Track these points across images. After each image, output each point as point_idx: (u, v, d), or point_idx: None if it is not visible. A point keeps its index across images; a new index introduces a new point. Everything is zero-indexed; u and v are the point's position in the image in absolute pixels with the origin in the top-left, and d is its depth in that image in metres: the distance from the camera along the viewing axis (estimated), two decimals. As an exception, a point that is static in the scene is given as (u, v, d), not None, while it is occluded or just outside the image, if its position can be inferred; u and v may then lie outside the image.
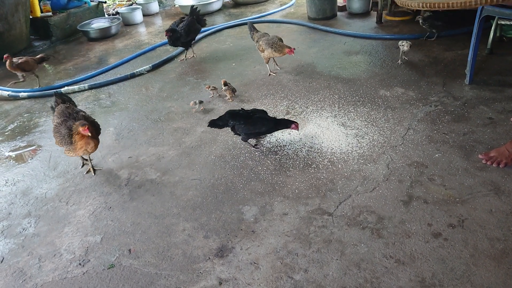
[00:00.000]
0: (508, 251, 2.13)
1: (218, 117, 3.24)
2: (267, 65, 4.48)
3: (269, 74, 4.46)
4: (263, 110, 3.28)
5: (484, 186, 2.56)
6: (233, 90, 4.06)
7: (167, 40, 4.99)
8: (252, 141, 3.34)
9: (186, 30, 4.93)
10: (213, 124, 3.22)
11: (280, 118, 3.25)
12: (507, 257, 2.10)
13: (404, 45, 4.21)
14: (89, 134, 2.81)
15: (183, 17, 5.18)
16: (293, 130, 3.18)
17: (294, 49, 4.11)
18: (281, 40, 4.25)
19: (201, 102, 3.94)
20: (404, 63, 4.33)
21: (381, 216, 2.45)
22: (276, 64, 4.63)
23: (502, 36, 4.46)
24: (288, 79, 4.34)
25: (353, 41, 5.18)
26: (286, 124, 3.15)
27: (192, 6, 5.34)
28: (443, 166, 2.78)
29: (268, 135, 3.39)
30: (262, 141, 3.34)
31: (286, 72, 4.50)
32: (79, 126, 2.80)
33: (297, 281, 2.13)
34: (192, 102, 3.93)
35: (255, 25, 4.91)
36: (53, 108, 3.20)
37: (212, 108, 3.95)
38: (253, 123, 3.11)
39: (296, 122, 3.13)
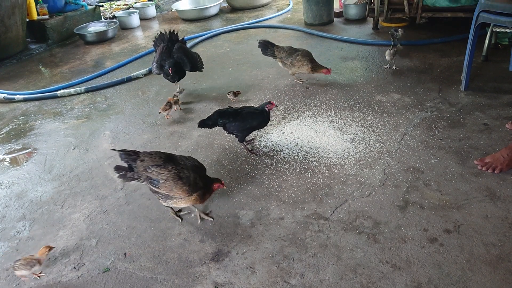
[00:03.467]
0: (504, 257, 2.13)
1: (207, 117, 3.24)
2: (294, 76, 4.38)
3: (297, 81, 4.37)
4: (251, 107, 3.30)
5: (480, 192, 2.57)
6: (235, 94, 4.08)
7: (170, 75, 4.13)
8: (249, 146, 3.34)
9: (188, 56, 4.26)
10: (203, 124, 3.20)
11: (261, 108, 3.24)
12: (502, 262, 2.10)
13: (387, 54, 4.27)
14: (225, 187, 2.60)
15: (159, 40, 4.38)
16: (271, 107, 3.21)
17: (331, 69, 4.08)
18: (311, 55, 4.16)
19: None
20: (400, 68, 4.35)
21: (377, 221, 2.45)
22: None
23: (497, 43, 4.50)
24: (284, 84, 4.35)
25: (350, 47, 5.20)
26: (266, 110, 3.19)
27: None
28: (439, 171, 2.79)
29: (264, 138, 3.40)
30: (258, 146, 3.34)
31: (283, 77, 4.51)
32: (213, 184, 2.52)
33: (293, 286, 2.12)
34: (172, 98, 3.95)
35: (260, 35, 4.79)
36: (130, 168, 2.52)
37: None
38: (243, 119, 3.12)
39: (269, 102, 3.20)
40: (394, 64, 4.35)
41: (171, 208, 2.65)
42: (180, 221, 2.62)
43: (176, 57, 4.17)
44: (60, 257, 2.48)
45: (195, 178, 2.42)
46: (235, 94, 4.05)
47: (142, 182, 2.50)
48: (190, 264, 2.33)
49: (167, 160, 2.47)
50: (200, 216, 2.62)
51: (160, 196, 2.50)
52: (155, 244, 2.50)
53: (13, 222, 2.82)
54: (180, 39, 4.41)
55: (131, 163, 2.51)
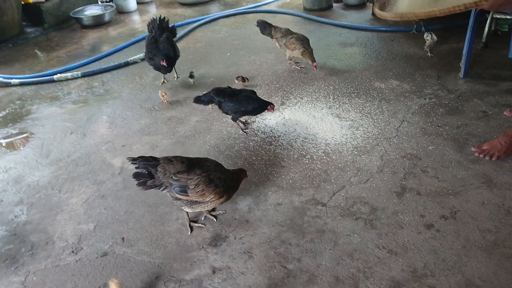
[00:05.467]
0: (499, 243, 2.15)
1: (203, 93, 3.29)
2: (290, 62, 4.35)
3: (295, 67, 4.34)
4: (252, 91, 3.29)
5: (477, 179, 2.58)
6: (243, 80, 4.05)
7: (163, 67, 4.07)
8: (241, 125, 3.36)
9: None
10: (198, 100, 3.27)
11: (262, 99, 3.26)
12: (498, 248, 2.12)
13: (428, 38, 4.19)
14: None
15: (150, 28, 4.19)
16: (271, 110, 3.22)
17: (316, 63, 4.04)
18: (308, 41, 4.11)
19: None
20: (399, 55, 4.34)
21: (374, 207, 2.46)
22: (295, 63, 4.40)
23: (497, 30, 4.47)
24: (283, 70, 4.33)
25: (349, 32, 5.16)
26: (265, 105, 3.19)
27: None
28: (437, 158, 2.80)
29: (262, 124, 3.39)
30: (251, 126, 3.35)
31: (281, 62, 4.48)
32: (241, 174, 2.44)
33: (290, 270, 2.14)
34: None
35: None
36: (150, 174, 2.31)
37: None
38: (239, 101, 3.13)
39: (272, 104, 3.19)
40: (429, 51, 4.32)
41: (188, 216, 2.48)
42: (189, 233, 2.45)
43: (162, 47, 4.01)
44: (58, 241, 2.49)
45: (225, 179, 2.30)
46: (244, 79, 4.02)
47: (163, 190, 2.33)
48: (188, 248, 2.34)
49: (190, 164, 2.31)
50: (190, 224, 2.48)
51: (185, 202, 2.34)
52: (153, 229, 2.51)
53: (11, 207, 2.82)
54: (170, 26, 4.25)
55: (151, 169, 2.31)
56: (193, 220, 2.52)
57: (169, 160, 2.32)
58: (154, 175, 2.29)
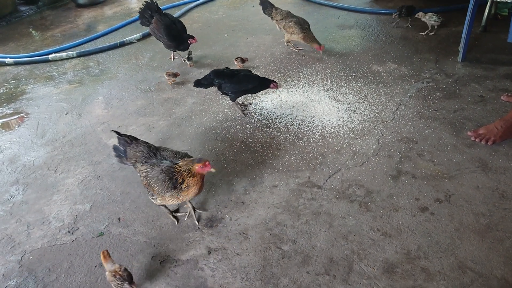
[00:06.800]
0: (492, 226, 2.17)
1: (203, 76, 3.26)
2: (288, 44, 4.32)
3: (293, 49, 4.31)
4: (248, 70, 3.27)
5: (472, 163, 2.59)
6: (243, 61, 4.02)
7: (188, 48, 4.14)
8: (243, 107, 3.35)
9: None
10: (198, 83, 3.24)
11: (262, 76, 3.24)
12: (491, 231, 2.15)
13: (432, 19, 4.20)
14: (214, 170, 2.13)
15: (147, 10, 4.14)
16: (274, 87, 3.18)
17: (324, 46, 4.00)
18: (308, 25, 4.07)
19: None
20: (398, 38, 4.30)
21: (369, 190, 2.47)
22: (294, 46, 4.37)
23: (496, 14, 4.44)
24: (280, 52, 4.29)
25: (347, 15, 5.11)
26: (267, 83, 3.17)
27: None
28: (433, 142, 2.80)
29: (259, 106, 3.38)
30: (250, 108, 3.35)
31: (279, 44, 4.44)
32: (195, 164, 2.10)
33: (285, 251, 2.16)
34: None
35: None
36: (123, 154, 2.37)
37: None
38: (238, 81, 3.12)
39: (275, 81, 3.16)
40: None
41: (167, 208, 2.43)
42: (176, 223, 2.40)
43: (180, 27, 4.08)
44: (54, 221, 2.49)
45: (164, 178, 2.13)
46: (243, 60, 3.98)
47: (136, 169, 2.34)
48: (184, 229, 2.36)
49: (149, 155, 2.26)
50: (189, 213, 2.43)
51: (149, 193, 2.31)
52: (149, 209, 2.51)
53: (6, 186, 2.81)
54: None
55: (126, 149, 2.34)
56: (175, 210, 2.49)
57: (137, 145, 2.32)
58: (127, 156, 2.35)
